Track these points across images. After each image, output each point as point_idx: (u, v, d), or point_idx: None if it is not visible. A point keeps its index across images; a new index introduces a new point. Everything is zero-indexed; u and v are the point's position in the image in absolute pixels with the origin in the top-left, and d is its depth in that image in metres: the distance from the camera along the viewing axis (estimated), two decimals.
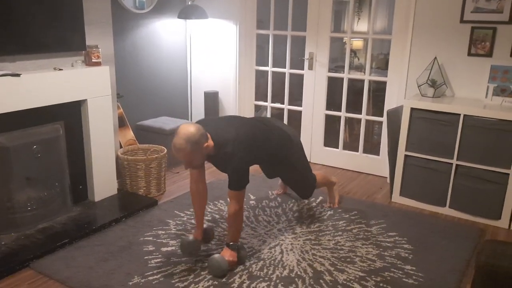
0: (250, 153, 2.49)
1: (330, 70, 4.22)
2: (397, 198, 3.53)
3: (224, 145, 2.43)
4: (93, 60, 3.13)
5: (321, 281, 2.45)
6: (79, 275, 2.46)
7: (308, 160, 4.36)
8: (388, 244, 2.85)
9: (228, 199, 2.56)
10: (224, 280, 2.44)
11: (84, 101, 3.13)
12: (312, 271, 2.54)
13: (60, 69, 2.94)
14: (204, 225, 2.78)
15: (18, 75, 2.66)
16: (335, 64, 5.28)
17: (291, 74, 4.44)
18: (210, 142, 2.41)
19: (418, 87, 3.51)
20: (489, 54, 3.31)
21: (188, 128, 2.32)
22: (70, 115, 3.11)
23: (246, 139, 2.48)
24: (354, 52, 6.11)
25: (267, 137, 2.67)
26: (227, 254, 2.50)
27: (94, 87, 3.14)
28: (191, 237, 2.66)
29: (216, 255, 2.48)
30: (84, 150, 3.24)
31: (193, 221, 3.11)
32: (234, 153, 2.42)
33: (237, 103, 4.56)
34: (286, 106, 4.52)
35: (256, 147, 2.56)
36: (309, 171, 3.08)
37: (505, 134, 3.02)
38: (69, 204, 3.17)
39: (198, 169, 2.65)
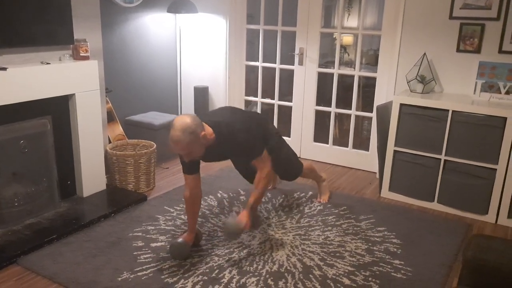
0: (250, 128, 2.59)
1: (320, 65, 4.23)
2: (386, 193, 3.55)
3: (226, 129, 2.47)
4: (81, 54, 3.09)
5: (310, 276, 2.46)
6: (66, 271, 2.44)
7: (298, 156, 4.39)
8: (377, 239, 2.87)
9: (257, 168, 2.60)
10: (213, 275, 2.44)
11: (72, 95, 3.10)
12: (301, 266, 2.55)
13: (47, 63, 2.90)
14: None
15: (4, 69, 2.62)
16: (325, 59, 5.29)
17: (281, 70, 4.43)
18: (208, 131, 2.41)
19: (408, 83, 3.53)
20: (478, 50, 3.33)
21: (183, 119, 2.30)
22: (58, 109, 3.08)
23: (243, 121, 2.61)
24: (344, 47, 6.12)
25: (257, 121, 2.79)
26: (245, 216, 2.53)
27: (82, 82, 3.11)
28: (180, 239, 2.60)
29: (230, 219, 2.54)
30: (72, 145, 3.21)
31: (182, 216, 3.10)
32: (237, 129, 2.48)
33: (227, 98, 4.54)
34: (276, 102, 4.52)
35: (251, 124, 2.65)
36: (296, 157, 3.14)
37: (493, 130, 3.05)
38: (57, 200, 3.14)
39: (193, 175, 2.60)
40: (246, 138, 2.51)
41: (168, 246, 2.67)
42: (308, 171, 3.25)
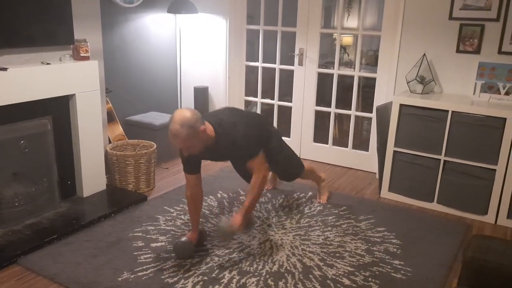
0: (251, 130, 2.58)
1: (320, 66, 4.23)
2: (385, 193, 3.55)
3: (227, 130, 2.46)
4: (81, 55, 3.09)
5: (310, 276, 2.46)
6: (67, 271, 2.44)
7: (298, 156, 4.39)
8: (377, 239, 2.87)
9: (252, 171, 2.56)
10: (214, 275, 2.44)
11: (72, 95, 3.10)
12: (301, 266, 2.55)
13: (47, 63, 2.90)
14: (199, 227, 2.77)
15: (4, 69, 2.62)
16: (325, 60, 5.29)
17: (281, 70, 4.44)
18: (208, 127, 2.40)
19: (407, 83, 3.54)
20: (477, 51, 3.34)
21: (183, 113, 2.29)
22: (58, 110, 3.08)
23: (246, 122, 2.60)
24: (344, 48, 6.12)
25: (259, 122, 2.81)
26: (239, 219, 2.51)
27: (83, 82, 3.11)
28: (184, 238, 2.61)
29: (224, 219, 2.52)
30: (73, 145, 3.21)
31: (182, 216, 3.11)
32: (238, 131, 2.48)
33: (227, 98, 4.55)
34: (276, 102, 4.52)
35: (252, 127, 2.64)
36: (296, 157, 3.15)
37: (492, 131, 3.06)
38: (57, 200, 3.15)
39: (194, 174, 2.60)
40: (245, 139, 2.50)
41: (172, 246, 2.68)
42: (307, 172, 3.25)
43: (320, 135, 4.41)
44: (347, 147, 4.23)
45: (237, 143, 2.48)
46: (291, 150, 3.11)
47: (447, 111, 3.18)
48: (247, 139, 2.51)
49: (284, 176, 3.19)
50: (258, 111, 4.63)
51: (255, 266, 2.55)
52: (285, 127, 4.51)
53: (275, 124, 4.55)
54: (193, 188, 2.62)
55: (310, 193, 3.54)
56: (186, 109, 2.33)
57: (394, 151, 3.45)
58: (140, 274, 2.44)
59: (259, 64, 4.51)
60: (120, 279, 2.39)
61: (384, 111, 3.48)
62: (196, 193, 2.64)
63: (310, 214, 3.20)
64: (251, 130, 2.57)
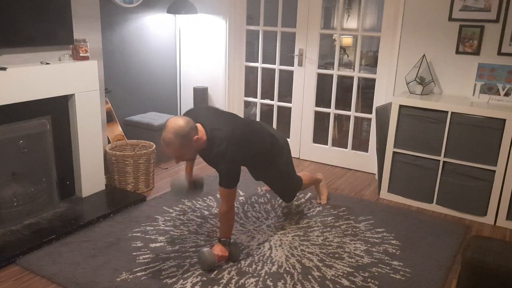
0: (243, 154, 2.47)
1: (319, 66, 4.23)
2: (385, 194, 3.55)
3: (218, 143, 2.36)
4: (80, 55, 3.09)
5: (309, 276, 2.46)
6: (65, 271, 2.44)
7: (297, 157, 4.39)
8: (376, 240, 2.87)
9: (219, 197, 2.52)
10: (213, 276, 2.44)
11: (72, 95, 3.10)
12: (300, 267, 2.55)
13: (47, 63, 2.90)
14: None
15: (4, 69, 2.62)
16: (325, 61, 5.30)
17: (280, 71, 4.44)
18: (202, 135, 2.36)
19: (407, 84, 3.54)
20: (477, 52, 3.34)
21: (176, 122, 2.26)
22: (57, 109, 3.08)
23: (241, 140, 2.45)
24: (343, 49, 6.13)
25: (261, 141, 2.65)
26: (217, 249, 2.50)
27: (82, 82, 3.11)
28: (183, 177, 2.71)
29: (206, 249, 2.48)
30: (72, 145, 3.21)
31: (181, 217, 3.11)
32: (227, 152, 2.35)
33: (227, 99, 4.55)
34: (275, 103, 4.52)
35: (249, 148, 2.53)
36: (294, 177, 3.01)
37: (492, 132, 3.06)
38: (56, 200, 3.14)
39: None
40: (229, 165, 2.38)
41: (170, 186, 2.80)
42: (305, 184, 3.14)
43: (319, 136, 4.41)
44: (346, 148, 4.23)
45: (220, 164, 2.40)
46: (286, 166, 2.93)
47: (447, 112, 3.18)
48: (231, 165, 2.39)
49: (284, 197, 3.06)
50: (258, 112, 4.63)
51: (254, 266, 2.54)
52: (285, 128, 4.51)
53: (274, 125, 4.55)
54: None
55: (309, 194, 3.53)
56: (179, 118, 2.30)
57: (394, 152, 3.45)
58: (139, 274, 2.44)
59: (259, 64, 4.51)
60: (118, 279, 2.39)
61: (383, 112, 3.48)
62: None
63: (309, 214, 3.20)
64: (239, 156, 2.43)
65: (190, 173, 2.80)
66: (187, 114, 2.54)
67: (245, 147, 2.48)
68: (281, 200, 3.41)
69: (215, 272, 2.47)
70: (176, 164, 4.03)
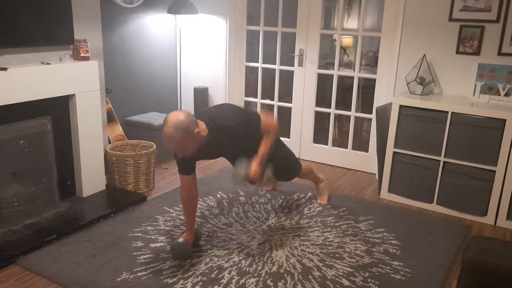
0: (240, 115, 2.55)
1: (320, 67, 4.23)
2: (385, 194, 3.56)
3: (230, 118, 2.45)
4: (81, 55, 3.09)
5: (309, 276, 2.46)
6: (66, 271, 2.44)
7: (298, 157, 4.39)
8: (376, 240, 2.87)
9: (265, 132, 2.55)
10: (213, 275, 2.44)
11: (72, 96, 3.10)
12: (301, 267, 2.55)
13: (47, 63, 2.90)
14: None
15: (4, 69, 2.62)
16: (325, 61, 5.30)
17: (281, 71, 4.44)
18: (202, 128, 2.38)
19: (407, 84, 3.54)
20: (477, 52, 3.34)
21: (176, 116, 2.27)
22: (58, 110, 3.08)
23: (240, 110, 2.58)
24: (343, 49, 6.13)
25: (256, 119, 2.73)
26: (256, 168, 2.47)
27: (83, 82, 3.11)
28: (181, 239, 2.61)
29: (243, 165, 2.47)
30: (72, 145, 3.21)
31: (182, 217, 3.11)
32: (242, 113, 2.48)
33: (227, 99, 4.55)
34: (276, 103, 4.52)
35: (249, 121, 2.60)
36: (294, 156, 3.10)
37: (492, 132, 3.06)
38: (56, 200, 3.14)
39: (189, 175, 2.59)
40: (243, 118, 2.48)
41: (169, 247, 2.67)
42: (306, 172, 3.23)
43: (320, 136, 4.41)
44: (347, 148, 4.23)
45: (236, 126, 2.46)
46: (289, 149, 3.08)
47: (447, 112, 3.18)
48: (244, 117, 2.49)
49: (281, 176, 3.11)
50: (258, 112, 4.62)
51: (254, 266, 2.54)
52: (285, 127, 4.51)
53: None
54: (188, 189, 2.61)
55: (309, 194, 3.54)
56: (180, 112, 2.31)
57: (394, 152, 3.45)
58: (139, 274, 2.44)
59: (259, 64, 4.51)
60: (119, 279, 2.39)
61: (384, 112, 3.48)
62: (191, 194, 2.62)
63: (309, 214, 3.20)
64: (239, 115, 2.53)
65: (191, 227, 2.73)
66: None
67: (235, 111, 2.56)
68: (281, 200, 3.41)
69: (215, 272, 2.47)
70: (176, 165, 4.02)
